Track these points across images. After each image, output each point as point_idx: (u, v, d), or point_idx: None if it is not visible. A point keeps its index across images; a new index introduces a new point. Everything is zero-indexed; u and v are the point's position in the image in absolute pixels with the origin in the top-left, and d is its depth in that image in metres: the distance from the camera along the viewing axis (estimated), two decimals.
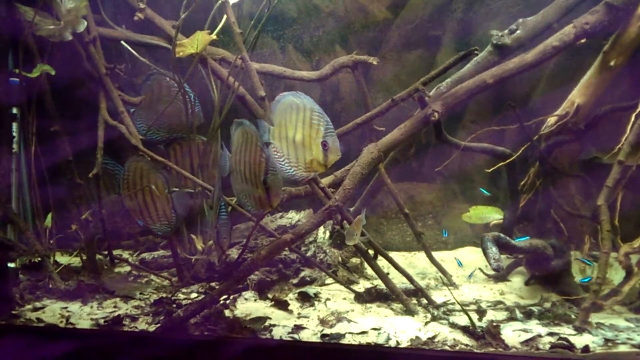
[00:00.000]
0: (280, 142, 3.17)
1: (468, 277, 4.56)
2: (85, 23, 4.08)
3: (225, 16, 4.03)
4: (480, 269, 4.62)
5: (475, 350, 3.21)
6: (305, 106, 3.10)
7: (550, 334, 3.36)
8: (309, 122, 3.10)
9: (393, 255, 4.41)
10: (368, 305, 3.97)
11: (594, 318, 3.54)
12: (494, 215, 4.51)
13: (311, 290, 4.12)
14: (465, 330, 3.42)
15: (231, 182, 3.37)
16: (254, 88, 4.08)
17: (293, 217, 4.67)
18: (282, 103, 3.15)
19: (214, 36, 3.85)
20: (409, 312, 3.79)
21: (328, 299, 4.07)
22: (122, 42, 4.35)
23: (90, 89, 4.37)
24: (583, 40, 3.90)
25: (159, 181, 3.85)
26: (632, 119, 3.60)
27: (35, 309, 3.86)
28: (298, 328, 3.53)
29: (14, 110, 4.46)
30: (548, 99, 4.68)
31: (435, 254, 4.63)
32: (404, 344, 3.29)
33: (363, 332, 3.46)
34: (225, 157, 3.38)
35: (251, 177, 3.23)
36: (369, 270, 4.45)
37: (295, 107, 3.12)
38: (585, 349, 3.13)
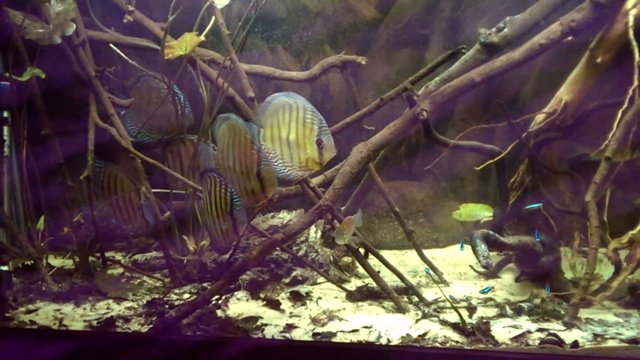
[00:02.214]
0: (273, 142, 3.18)
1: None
2: (74, 26, 4.09)
3: (213, 18, 4.04)
4: (470, 266, 4.65)
5: (465, 347, 3.23)
6: (298, 105, 3.12)
7: (540, 330, 3.38)
8: (302, 121, 3.11)
9: (384, 253, 4.44)
10: (359, 303, 3.98)
11: (583, 313, 3.56)
12: (484, 213, 4.53)
13: (303, 289, 4.13)
14: (455, 327, 3.44)
15: None
16: (243, 89, 4.10)
17: (284, 217, 4.68)
18: (273, 104, 3.15)
19: (202, 38, 3.86)
20: (400, 310, 3.80)
21: (320, 298, 4.08)
22: (111, 44, 4.37)
23: (82, 90, 4.38)
24: (570, 38, 3.92)
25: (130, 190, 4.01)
26: (619, 115, 3.62)
27: (29, 312, 3.87)
28: (290, 327, 3.54)
29: (5, 114, 4.46)
30: (538, 97, 4.69)
31: (426, 252, 4.65)
32: (395, 341, 3.31)
33: (354, 330, 3.47)
34: (209, 154, 3.40)
35: (242, 170, 3.25)
36: (361, 269, 4.46)
37: (288, 107, 3.13)
38: (575, 344, 3.16)
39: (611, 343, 3.22)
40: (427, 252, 4.68)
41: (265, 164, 3.22)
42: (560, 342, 3.19)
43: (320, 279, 4.42)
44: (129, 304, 3.99)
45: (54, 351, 3.23)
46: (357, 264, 4.47)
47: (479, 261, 3.62)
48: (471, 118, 5.17)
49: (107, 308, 3.94)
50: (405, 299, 3.97)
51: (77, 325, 3.64)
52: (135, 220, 4.03)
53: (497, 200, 4.50)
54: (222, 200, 3.29)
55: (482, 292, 4.15)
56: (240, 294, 4.12)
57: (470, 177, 5.37)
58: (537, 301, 3.85)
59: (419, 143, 5.24)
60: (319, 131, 3.10)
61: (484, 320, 3.41)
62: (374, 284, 4.01)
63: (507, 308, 3.75)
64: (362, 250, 4.23)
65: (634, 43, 3.68)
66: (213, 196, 3.33)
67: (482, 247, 3.65)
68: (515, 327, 3.45)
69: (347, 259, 4.72)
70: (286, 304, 3.96)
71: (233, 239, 3.40)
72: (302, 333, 3.47)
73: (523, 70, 4.43)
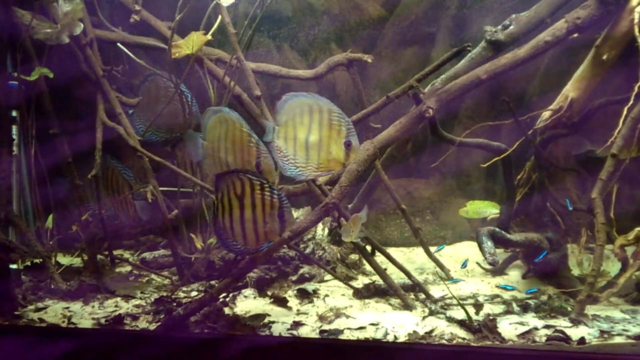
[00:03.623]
0: (286, 142, 3.18)
1: (461, 267, 4.60)
2: (82, 26, 4.12)
3: (220, 16, 4.06)
4: (478, 263, 4.65)
5: (472, 344, 3.24)
6: (322, 107, 3.11)
7: (547, 327, 3.39)
8: (328, 123, 3.11)
9: (392, 250, 4.44)
10: (366, 300, 3.99)
11: (590, 310, 3.57)
12: (490, 210, 4.54)
13: (310, 287, 4.15)
14: (462, 324, 3.45)
15: (204, 169, 3.40)
16: (249, 87, 4.12)
17: None
18: (290, 103, 3.15)
19: (209, 37, 3.88)
20: (407, 307, 3.81)
21: (327, 295, 4.10)
22: (119, 44, 4.39)
23: (87, 89, 4.41)
24: (575, 35, 3.92)
25: (125, 186, 4.13)
26: (625, 112, 3.62)
27: (38, 310, 3.90)
28: (297, 324, 3.56)
29: (14, 113, 4.49)
30: (544, 94, 4.69)
31: (433, 249, 4.65)
32: (402, 338, 3.32)
33: (361, 328, 3.49)
34: (198, 144, 3.40)
35: (238, 163, 3.25)
36: (368, 266, 4.47)
37: (308, 108, 3.12)
38: (581, 341, 3.16)
39: (618, 339, 3.23)
40: (434, 249, 4.67)
41: (265, 156, 3.23)
42: (567, 339, 3.19)
43: (328, 277, 4.44)
44: (137, 302, 4.02)
45: (62, 349, 3.26)
46: (364, 261, 4.48)
47: (485, 258, 3.64)
48: (477, 115, 5.17)
49: (116, 306, 3.97)
50: (412, 296, 3.99)
51: (86, 323, 3.67)
52: (128, 213, 4.13)
53: (503, 197, 4.50)
54: (267, 202, 3.24)
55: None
56: (248, 291, 4.14)
57: (477, 174, 5.37)
58: (544, 298, 3.85)
59: (426, 140, 5.25)
60: (347, 133, 3.12)
61: (491, 317, 3.41)
62: (381, 282, 4.03)
63: (514, 305, 3.75)
64: (369, 248, 4.24)
65: None
66: (250, 197, 3.25)
67: (488, 244, 3.66)
68: (522, 324, 3.46)
69: (354, 257, 4.73)
70: (293, 302, 3.98)
71: (273, 239, 3.38)
72: (309, 330, 3.48)
73: (529, 67, 4.43)
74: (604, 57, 3.97)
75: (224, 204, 3.29)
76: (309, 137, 3.13)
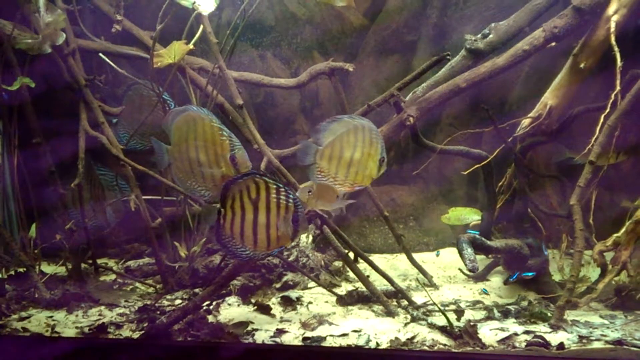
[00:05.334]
0: (330, 161, 3.27)
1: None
2: (64, 36, 4.12)
3: (201, 26, 4.08)
4: (460, 269, 4.68)
5: (452, 350, 3.26)
6: (364, 127, 3.24)
7: (527, 332, 3.42)
8: (370, 141, 3.23)
9: (376, 257, 4.46)
10: (350, 307, 4.01)
11: (570, 315, 3.60)
12: (472, 217, 4.58)
13: (293, 294, 4.16)
14: (443, 330, 3.47)
15: (173, 173, 3.41)
16: (231, 96, 4.14)
17: None
18: (334, 125, 3.25)
19: (190, 46, 3.90)
20: (390, 313, 3.83)
21: (310, 303, 4.11)
22: (101, 54, 4.40)
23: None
24: (553, 44, 3.97)
25: (100, 191, 4.28)
26: (601, 119, 3.66)
27: (21, 319, 3.88)
28: (280, 332, 3.58)
29: None
30: (524, 101, 4.74)
31: (416, 256, 4.68)
32: (384, 345, 3.34)
33: (344, 335, 3.50)
34: (162, 149, 3.42)
35: (210, 158, 3.27)
36: (351, 273, 4.49)
37: (354, 128, 3.23)
38: (560, 346, 3.19)
39: (596, 344, 3.26)
40: (417, 256, 4.71)
41: (239, 147, 3.26)
42: (546, 344, 3.22)
43: (311, 284, 4.45)
44: (121, 310, 4.01)
45: (45, 358, 3.26)
46: (348, 268, 4.50)
47: (465, 265, 3.67)
48: (459, 123, 5.21)
49: (99, 314, 3.96)
50: (395, 303, 4.01)
51: (69, 332, 3.67)
52: (104, 218, 4.24)
53: (485, 204, 4.54)
54: (283, 205, 3.21)
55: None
56: (232, 299, 4.15)
57: (459, 181, 5.40)
58: (525, 304, 3.88)
59: (409, 148, 5.29)
60: (381, 150, 3.26)
61: (472, 323, 3.44)
62: (364, 288, 4.04)
63: (495, 311, 3.78)
64: (351, 255, 4.26)
65: (616, 48, 3.73)
66: (265, 201, 3.21)
67: (469, 251, 3.69)
68: (502, 329, 3.48)
69: (338, 264, 4.75)
70: (277, 309, 3.99)
71: (285, 244, 3.38)
72: (292, 338, 3.50)
73: (510, 75, 4.48)
74: (582, 65, 4.03)
75: (234, 209, 3.23)
76: (354, 154, 3.23)
